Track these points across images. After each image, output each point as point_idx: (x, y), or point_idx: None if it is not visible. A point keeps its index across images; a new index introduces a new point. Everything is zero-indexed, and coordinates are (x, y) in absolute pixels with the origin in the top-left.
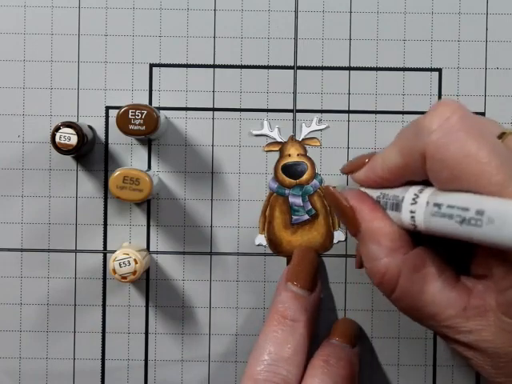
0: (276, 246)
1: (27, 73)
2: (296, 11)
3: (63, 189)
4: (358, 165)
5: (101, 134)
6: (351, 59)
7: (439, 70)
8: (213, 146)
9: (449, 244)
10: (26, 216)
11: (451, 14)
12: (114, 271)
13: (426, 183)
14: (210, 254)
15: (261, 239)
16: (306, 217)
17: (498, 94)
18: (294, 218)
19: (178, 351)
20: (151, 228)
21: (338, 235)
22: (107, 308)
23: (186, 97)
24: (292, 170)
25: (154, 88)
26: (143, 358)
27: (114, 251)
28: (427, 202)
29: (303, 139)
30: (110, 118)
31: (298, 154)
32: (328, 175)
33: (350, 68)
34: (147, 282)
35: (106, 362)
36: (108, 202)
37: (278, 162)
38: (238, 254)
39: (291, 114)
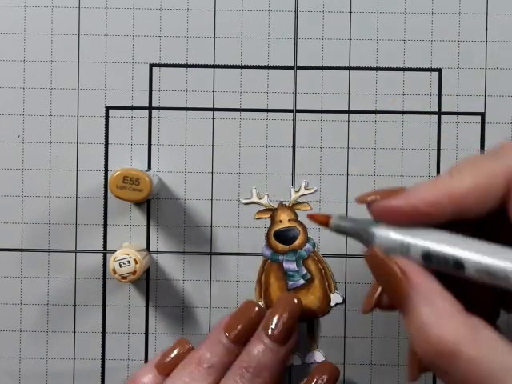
0: None
1: (27, 73)
2: (296, 11)
3: (63, 189)
4: (388, 193)
5: (101, 133)
6: (351, 59)
7: (439, 70)
8: (213, 146)
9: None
10: (26, 216)
11: (451, 14)
12: (114, 271)
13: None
14: (210, 254)
15: None
16: (302, 281)
17: (498, 94)
18: (290, 283)
19: None
20: (151, 228)
21: (335, 297)
22: (107, 308)
23: (186, 97)
24: (284, 236)
25: (153, 88)
26: (143, 358)
27: (114, 251)
28: None
29: (293, 204)
30: (110, 118)
31: (289, 220)
32: (328, 175)
33: (349, 68)
34: (147, 282)
35: (106, 362)
36: (108, 201)
37: (270, 228)
38: (237, 254)
39: (291, 114)
